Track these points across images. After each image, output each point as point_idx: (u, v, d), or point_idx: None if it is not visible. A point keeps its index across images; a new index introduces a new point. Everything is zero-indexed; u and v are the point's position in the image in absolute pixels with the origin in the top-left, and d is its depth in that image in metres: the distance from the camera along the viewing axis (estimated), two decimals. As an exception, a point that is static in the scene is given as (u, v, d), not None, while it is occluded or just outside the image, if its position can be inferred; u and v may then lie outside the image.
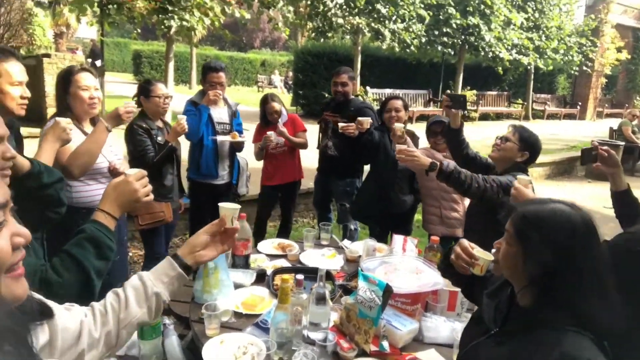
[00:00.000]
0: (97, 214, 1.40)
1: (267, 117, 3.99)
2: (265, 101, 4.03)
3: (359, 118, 3.45)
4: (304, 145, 4.06)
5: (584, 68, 17.55)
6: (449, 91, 3.07)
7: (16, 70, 1.91)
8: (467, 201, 3.61)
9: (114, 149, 2.65)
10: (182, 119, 3.15)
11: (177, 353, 1.85)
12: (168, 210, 3.24)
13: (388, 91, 14.22)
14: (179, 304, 2.18)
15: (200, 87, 3.80)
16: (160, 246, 3.37)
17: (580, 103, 18.97)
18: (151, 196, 1.47)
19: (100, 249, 1.38)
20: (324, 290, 1.88)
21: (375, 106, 13.35)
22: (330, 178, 4.08)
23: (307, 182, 5.43)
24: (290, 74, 20.81)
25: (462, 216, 3.54)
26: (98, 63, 12.19)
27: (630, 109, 10.78)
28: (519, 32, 14.92)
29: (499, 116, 17.02)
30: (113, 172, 2.55)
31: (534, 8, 15.38)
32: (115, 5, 8.07)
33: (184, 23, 8.42)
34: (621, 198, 2.05)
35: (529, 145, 2.55)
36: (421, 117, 14.77)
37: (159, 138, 3.11)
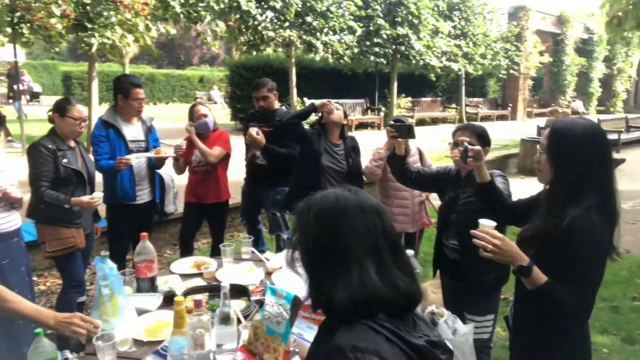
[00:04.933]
0: None
1: (194, 122, 3.80)
2: (193, 106, 3.92)
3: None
4: (207, 155, 3.71)
5: (511, 71, 18.43)
6: (392, 121, 3.03)
7: None
8: (417, 199, 3.69)
9: (6, 174, 2.43)
10: (99, 196, 2.95)
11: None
12: (79, 236, 3.02)
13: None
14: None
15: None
16: (79, 273, 3.15)
17: (510, 105, 19.89)
18: None
19: None
20: (229, 308, 1.76)
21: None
22: (260, 188, 3.99)
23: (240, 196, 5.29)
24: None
25: (411, 213, 3.60)
26: (17, 85, 11.48)
27: (550, 108, 11.40)
28: (447, 40, 15.46)
29: (434, 121, 17.55)
30: (5, 198, 2.33)
31: (460, 16, 16.01)
32: (28, 24, 7.62)
33: (106, 40, 8.08)
34: (486, 188, 2.17)
35: (487, 139, 2.54)
36: (360, 125, 14.97)
37: (65, 160, 2.89)
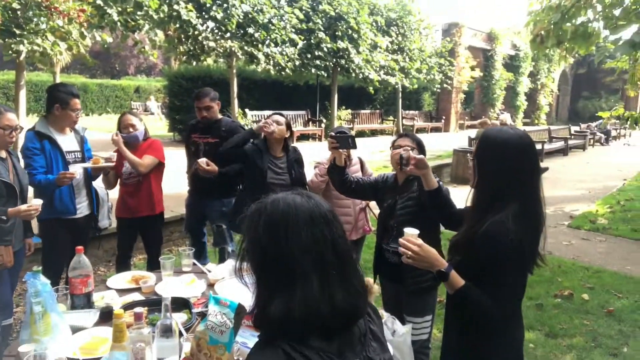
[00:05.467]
0: None
1: (122, 131, 3.61)
2: (121, 115, 3.75)
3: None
4: (137, 165, 3.54)
5: (445, 85, 19.35)
6: (332, 133, 3.05)
7: None
8: (358, 206, 3.79)
9: None
10: (37, 204, 2.73)
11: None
12: (8, 254, 2.81)
13: (267, 113, 14.34)
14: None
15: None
16: (5, 294, 2.92)
17: (444, 117, 20.86)
18: None
19: None
20: (170, 320, 1.74)
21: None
22: (205, 200, 3.92)
23: (180, 209, 5.19)
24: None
25: (353, 220, 3.75)
26: None
27: (480, 120, 12.07)
28: (385, 54, 16.01)
29: (373, 132, 18.09)
30: None
31: (397, 32, 16.64)
32: (-55, 28, 7.12)
33: (35, 47, 7.68)
34: (434, 195, 2.26)
35: (423, 149, 2.72)
36: (302, 137, 15.11)
37: None
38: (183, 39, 11.10)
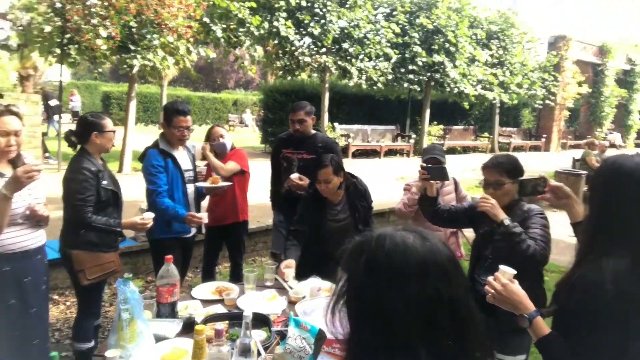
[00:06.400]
0: None
1: (212, 142, 3.74)
2: (211, 128, 3.91)
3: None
4: (218, 168, 3.60)
5: (547, 102, 18.09)
6: (423, 163, 2.94)
7: None
8: (449, 230, 3.54)
9: (33, 193, 2.42)
10: (149, 217, 2.81)
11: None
12: (117, 259, 2.94)
13: (356, 127, 14.38)
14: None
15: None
16: (99, 301, 3.06)
17: (545, 135, 19.45)
18: None
19: None
20: (249, 340, 1.68)
21: (343, 142, 13.29)
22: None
23: (266, 220, 5.25)
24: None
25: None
26: (52, 102, 11.99)
27: (587, 139, 11.05)
28: (484, 68, 15.35)
29: (465, 149, 17.32)
30: (32, 215, 2.34)
31: (498, 45, 15.90)
32: (76, 45, 7.95)
33: (147, 62, 8.34)
34: (578, 230, 1.86)
35: (517, 172, 2.43)
36: (389, 152, 14.89)
37: (104, 182, 2.78)
38: (280, 54, 11.49)
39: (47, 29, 7.76)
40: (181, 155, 3.30)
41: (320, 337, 1.69)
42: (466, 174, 9.91)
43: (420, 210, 2.88)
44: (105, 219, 2.73)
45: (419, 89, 14.45)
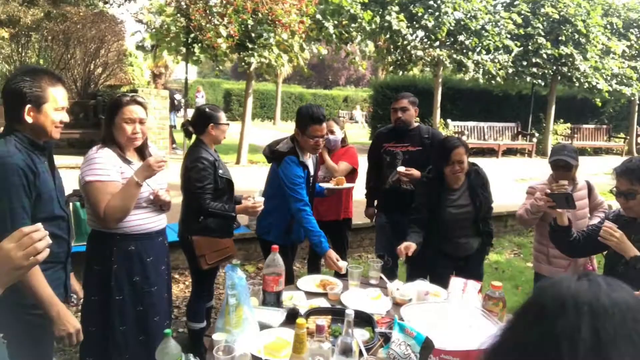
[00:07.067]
0: None
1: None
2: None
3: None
4: (333, 170, 3.64)
5: None
6: (548, 190, 2.68)
7: (60, 96, 1.92)
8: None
9: (156, 179, 2.58)
10: (260, 201, 2.81)
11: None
12: (232, 244, 3.09)
13: (471, 124, 13.65)
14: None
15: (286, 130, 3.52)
16: (212, 285, 3.26)
17: (698, 137, 16.84)
18: (43, 254, 1.06)
19: None
20: (351, 339, 1.61)
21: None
22: (402, 217, 3.37)
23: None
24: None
25: (572, 259, 3.05)
26: (177, 97, 13.02)
27: None
28: (621, 60, 13.71)
29: (597, 151, 15.58)
30: (155, 200, 2.50)
31: (638, 35, 14.10)
32: (199, 44, 8.54)
33: (263, 60, 8.68)
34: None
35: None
36: (508, 151, 13.94)
37: (220, 171, 2.92)
38: (392, 49, 11.30)
39: (174, 29, 8.44)
40: (310, 161, 3.13)
41: (426, 346, 1.57)
42: (598, 178, 8.90)
43: (553, 243, 2.61)
44: (221, 205, 2.85)
45: (543, 84, 13.32)
